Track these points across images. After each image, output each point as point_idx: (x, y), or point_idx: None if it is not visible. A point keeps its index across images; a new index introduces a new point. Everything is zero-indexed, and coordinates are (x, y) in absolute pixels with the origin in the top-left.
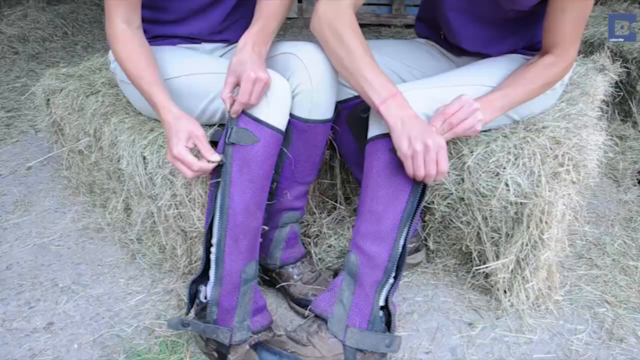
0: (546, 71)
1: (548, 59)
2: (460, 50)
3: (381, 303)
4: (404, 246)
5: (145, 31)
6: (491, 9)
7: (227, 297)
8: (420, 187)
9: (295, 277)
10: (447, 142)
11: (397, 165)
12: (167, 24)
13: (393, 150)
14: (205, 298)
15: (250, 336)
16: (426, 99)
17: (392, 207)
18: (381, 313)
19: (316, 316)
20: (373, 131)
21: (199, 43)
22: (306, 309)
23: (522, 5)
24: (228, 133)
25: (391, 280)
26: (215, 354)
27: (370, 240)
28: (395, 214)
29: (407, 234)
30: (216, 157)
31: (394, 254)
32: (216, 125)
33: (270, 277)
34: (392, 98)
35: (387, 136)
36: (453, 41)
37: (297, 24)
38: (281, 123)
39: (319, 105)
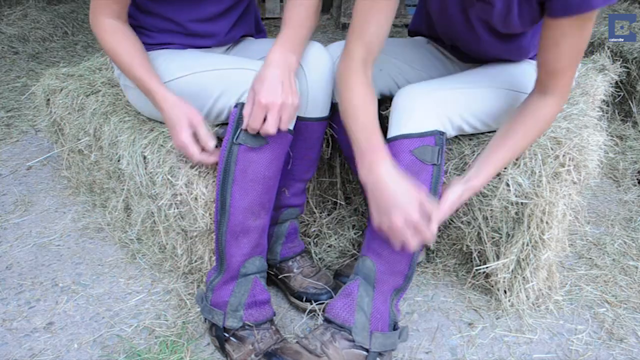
0: (539, 121)
1: (538, 102)
2: (468, 56)
3: (394, 302)
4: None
5: (150, 38)
6: (490, 34)
7: (222, 287)
8: (437, 190)
9: (295, 270)
10: (449, 141)
11: (418, 169)
12: (173, 33)
13: (414, 153)
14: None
15: (243, 324)
16: (453, 101)
17: None
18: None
19: (327, 321)
20: (393, 131)
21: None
22: (304, 301)
23: (516, 30)
24: (237, 133)
25: (409, 284)
26: (217, 341)
27: (390, 248)
28: None
29: None
30: (212, 144)
31: (414, 260)
32: (218, 127)
33: (270, 272)
34: (370, 152)
35: (407, 137)
36: (463, 51)
37: None
38: (291, 123)
39: (315, 103)
